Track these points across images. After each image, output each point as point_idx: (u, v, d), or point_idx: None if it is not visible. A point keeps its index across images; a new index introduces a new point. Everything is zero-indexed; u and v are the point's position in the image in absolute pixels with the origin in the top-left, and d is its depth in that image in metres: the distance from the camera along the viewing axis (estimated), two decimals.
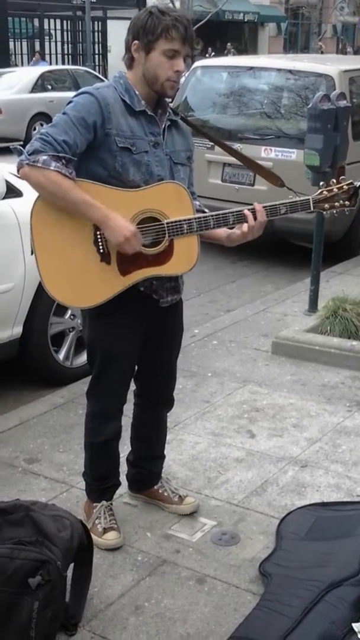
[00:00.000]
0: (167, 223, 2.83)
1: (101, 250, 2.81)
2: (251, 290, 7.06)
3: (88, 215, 2.76)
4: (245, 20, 37.72)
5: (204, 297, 6.78)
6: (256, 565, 3.06)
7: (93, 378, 3.15)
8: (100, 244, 2.80)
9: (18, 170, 2.77)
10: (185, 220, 2.84)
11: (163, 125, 2.94)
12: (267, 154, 7.34)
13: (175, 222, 2.83)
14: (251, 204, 2.96)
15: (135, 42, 2.84)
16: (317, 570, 2.88)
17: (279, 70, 7.96)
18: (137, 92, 2.87)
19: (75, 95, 2.85)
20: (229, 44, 31.61)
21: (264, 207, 2.95)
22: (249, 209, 2.94)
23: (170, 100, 3.16)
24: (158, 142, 2.90)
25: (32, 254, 2.83)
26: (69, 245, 2.81)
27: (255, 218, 2.93)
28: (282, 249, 7.94)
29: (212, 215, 2.89)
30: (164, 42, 2.79)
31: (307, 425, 4.22)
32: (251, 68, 8.18)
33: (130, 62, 2.90)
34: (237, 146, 6.46)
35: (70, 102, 2.83)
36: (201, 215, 2.89)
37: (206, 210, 3.02)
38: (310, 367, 5.02)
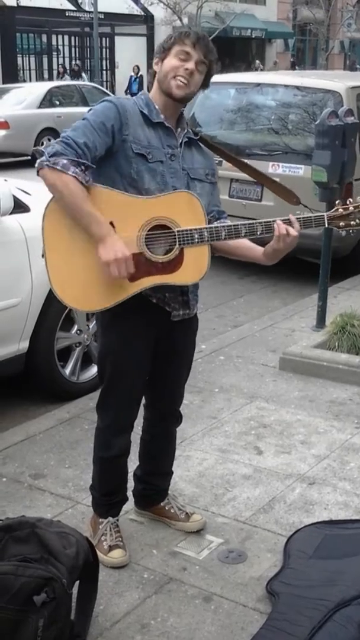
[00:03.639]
0: (177, 231, 2.83)
1: None
2: (259, 306, 7.05)
3: (90, 228, 2.75)
4: (253, 36, 37.92)
5: (211, 312, 6.76)
6: (263, 583, 3.03)
7: (103, 391, 3.14)
8: None
9: (38, 172, 2.77)
10: (196, 229, 2.84)
11: (180, 140, 2.96)
12: (275, 170, 7.34)
13: (186, 230, 2.83)
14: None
15: (156, 57, 2.93)
16: (325, 589, 2.85)
17: (286, 86, 7.98)
18: (156, 106, 2.91)
19: (97, 104, 2.91)
20: (257, 61, 31.80)
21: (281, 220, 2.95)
22: (271, 221, 2.92)
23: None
24: (175, 155, 2.92)
25: (42, 256, 2.83)
26: (79, 249, 2.81)
27: (278, 230, 2.91)
28: (290, 264, 7.90)
29: (223, 227, 2.89)
30: (176, 46, 2.87)
31: (315, 442, 4.19)
32: (259, 84, 8.20)
33: (152, 79, 2.96)
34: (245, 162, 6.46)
35: (90, 109, 2.89)
36: (213, 225, 2.90)
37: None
38: (318, 383, 4.99)
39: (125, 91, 27.24)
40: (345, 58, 42.33)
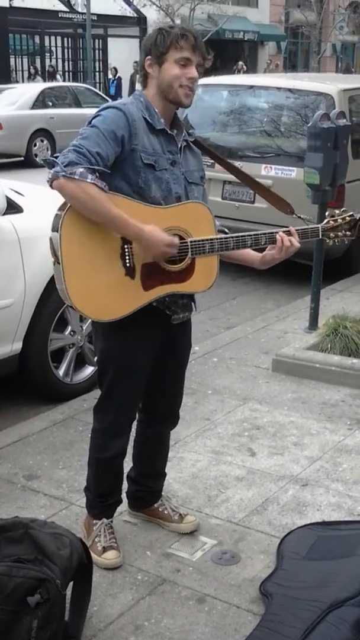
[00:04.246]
0: (190, 242, 2.87)
1: (127, 265, 2.82)
2: (251, 308, 7.06)
3: (122, 230, 2.76)
4: (246, 39, 37.94)
5: (204, 314, 6.76)
6: (257, 584, 3.03)
7: (103, 395, 3.14)
8: (127, 257, 2.81)
9: (51, 182, 2.73)
10: (207, 240, 2.90)
11: (180, 145, 2.97)
12: (267, 172, 7.35)
13: (199, 241, 2.88)
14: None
15: (148, 57, 2.89)
16: (318, 591, 2.86)
17: (279, 88, 7.99)
18: (156, 110, 2.90)
19: (102, 109, 2.85)
20: (240, 62, 31.94)
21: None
22: (274, 232, 3.02)
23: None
24: (175, 161, 2.94)
25: (54, 264, 2.81)
26: (96, 258, 2.80)
27: (282, 241, 3.03)
28: (283, 266, 7.91)
29: (232, 237, 2.96)
30: (174, 52, 2.84)
31: (307, 444, 4.20)
32: (251, 87, 8.22)
33: (145, 79, 2.94)
34: (237, 164, 6.48)
35: (97, 115, 2.82)
36: (222, 236, 2.96)
37: (227, 230, 3.10)
38: (311, 384, 5.00)
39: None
40: (337, 61, 42.43)
